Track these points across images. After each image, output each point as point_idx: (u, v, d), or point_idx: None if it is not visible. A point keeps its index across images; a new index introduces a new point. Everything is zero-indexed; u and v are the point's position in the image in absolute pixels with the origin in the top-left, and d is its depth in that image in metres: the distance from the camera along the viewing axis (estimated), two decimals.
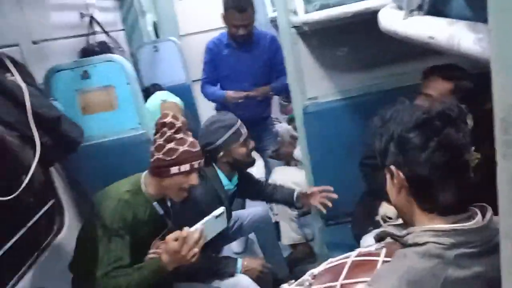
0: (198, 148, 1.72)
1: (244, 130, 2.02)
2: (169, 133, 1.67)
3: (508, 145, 0.41)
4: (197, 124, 3.74)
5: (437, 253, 0.85)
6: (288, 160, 3.04)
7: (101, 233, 1.60)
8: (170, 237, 1.53)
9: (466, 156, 0.91)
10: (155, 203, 1.75)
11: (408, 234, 0.94)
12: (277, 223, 2.75)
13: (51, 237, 2.03)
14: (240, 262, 1.99)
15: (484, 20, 0.43)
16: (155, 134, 1.72)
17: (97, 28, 3.03)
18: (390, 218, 1.86)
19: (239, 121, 2.05)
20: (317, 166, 2.30)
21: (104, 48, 2.84)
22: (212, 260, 2.00)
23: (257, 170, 3.96)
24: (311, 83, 2.19)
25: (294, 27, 2.09)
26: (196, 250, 1.53)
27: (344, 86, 2.17)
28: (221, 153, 1.99)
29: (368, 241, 1.82)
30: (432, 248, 0.86)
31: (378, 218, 1.91)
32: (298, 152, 2.73)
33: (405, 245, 0.93)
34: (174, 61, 3.96)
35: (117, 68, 2.16)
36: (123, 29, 3.85)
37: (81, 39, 2.83)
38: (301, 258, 2.62)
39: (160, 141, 1.67)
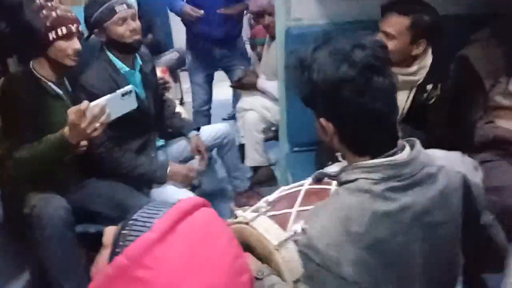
0: (73, 14, 1.71)
1: (121, 8, 1.86)
2: (39, 1, 1.66)
3: None
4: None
5: (365, 188, 0.89)
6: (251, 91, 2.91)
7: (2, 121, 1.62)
8: (71, 109, 1.53)
9: (393, 104, 0.93)
10: (50, 83, 1.74)
11: (341, 172, 0.97)
12: (242, 146, 2.75)
13: None
14: (168, 169, 2.01)
15: None
16: None
17: None
18: None
19: None
20: (291, 93, 2.23)
21: None
22: (144, 166, 1.98)
23: (224, 92, 3.90)
24: (298, 2, 2.06)
25: None
26: (97, 125, 1.54)
27: (333, 10, 2.05)
28: (96, 31, 1.91)
29: (329, 171, 1.87)
30: (362, 183, 0.90)
31: (337, 154, 1.95)
32: (262, 82, 2.65)
33: (340, 183, 0.96)
34: None
35: None
36: None
37: None
38: (262, 181, 2.67)
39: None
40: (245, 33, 3.87)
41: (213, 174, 3.06)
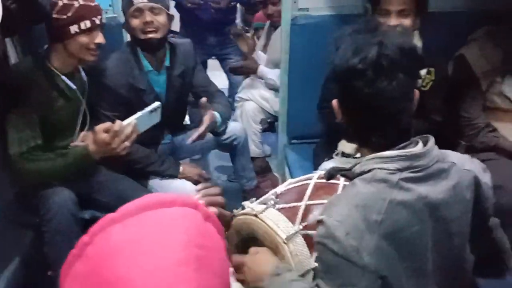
0: (96, 3, 1.58)
1: (139, 0, 1.74)
2: None
3: None
4: None
5: (382, 177, 0.90)
6: (252, 79, 2.83)
7: (8, 114, 1.52)
8: (100, 127, 1.47)
9: (400, 106, 0.93)
10: (63, 77, 1.62)
11: (355, 165, 0.97)
12: None
13: None
14: (181, 167, 1.97)
15: None
16: None
17: None
18: (348, 155, 1.90)
19: None
20: (294, 84, 2.22)
21: None
22: (155, 159, 1.93)
23: (220, 81, 3.85)
24: None
25: None
26: (127, 144, 1.49)
27: (341, 1, 2.03)
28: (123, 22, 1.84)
29: (326, 166, 1.87)
30: (377, 173, 0.91)
31: (336, 153, 1.95)
32: (263, 69, 2.61)
33: (354, 178, 0.96)
34: None
35: None
36: None
37: None
38: (258, 172, 2.63)
39: None
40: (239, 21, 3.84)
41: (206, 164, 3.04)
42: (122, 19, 1.93)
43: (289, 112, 2.31)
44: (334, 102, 1.01)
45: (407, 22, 1.65)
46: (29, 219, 1.68)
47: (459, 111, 1.85)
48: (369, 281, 0.86)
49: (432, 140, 0.96)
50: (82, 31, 1.52)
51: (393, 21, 1.65)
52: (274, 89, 2.52)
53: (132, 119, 1.51)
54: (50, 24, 1.53)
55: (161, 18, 1.78)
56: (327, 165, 1.91)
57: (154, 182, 1.95)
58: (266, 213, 1.02)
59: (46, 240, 1.56)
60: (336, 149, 1.96)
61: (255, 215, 1.02)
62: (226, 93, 3.88)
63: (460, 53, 1.81)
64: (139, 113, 1.54)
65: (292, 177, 2.23)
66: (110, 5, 2.06)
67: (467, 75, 1.79)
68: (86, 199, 1.71)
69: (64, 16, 1.50)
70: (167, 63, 1.92)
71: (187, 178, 1.95)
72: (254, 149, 2.62)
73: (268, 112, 2.64)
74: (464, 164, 0.98)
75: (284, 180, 2.54)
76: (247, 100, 2.64)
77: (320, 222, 0.89)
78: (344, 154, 1.88)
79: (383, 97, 0.90)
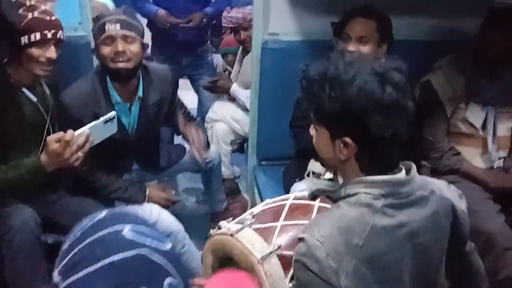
0: (54, 18, 1.55)
1: (111, 27, 1.64)
2: None
3: None
4: None
5: (366, 202, 0.91)
6: (223, 95, 2.89)
7: None
8: (51, 138, 1.43)
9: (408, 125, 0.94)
10: (24, 89, 1.59)
11: (341, 188, 0.98)
12: None
13: None
14: (148, 190, 1.90)
15: None
16: None
17: None
18: (315, 174, 1.94)
19: (115, 17, 1.67)
20: (264, 106, 2.25)
21: None
22: (118, 185, 1.87)
23: (188, 100, 3.84)
24: (276, 16, 2.08)
25: None
26: (80, 154, 1.44)
27: (311, 27, 2.09)
28: (93, 49, 1.75)
29: (297, 188, 1.90)
30: (362, 197, 0.92)
31: (306, 173, 1.98)
32: (236, 89, 2.64)
33: (337, 200, 0.97)
34: None
35: None
36: None
37: None
38: (227, 193, 2.62)
39: None
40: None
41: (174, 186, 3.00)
42: (91, 38, 1.90)
43: (259, 133, 2.33)
44: (347, 139, 0.93)
45: (365, 49, 1.71)
46: None
47: (424, 134, 1.91)
48: None
49: (414, 167, 0.98)
50: (32, 44, 1.51)
51: (351, 47, 1.72)
52: (245, 109, 2.54)
53: (85, 129, 1.46)
54: (6, 34, 1.51)
55: (134, 47, 1.67)
56: (299, 186, 1.93)
57: (120, 205, 1.90)
58: (242, 233, 1.03)
59: (6, 262, 1.48)
60: (305, 170, 1.99)
61: (231, 235, 1.02)
62: (195, 113, 3.90)
63: (427, 79, 1.88)
64: (92, 123, 1.49)
65: (261, 198, 2.25)
66: (80, 23, 2.03)
67: (433, 101, 1.85)
68: (48, 222, 1.64)
69: (18, 28, 1.49)
70: (140, 93, 1.81)
71: (155, 202, 1.88)
72: (225, 171, 2.61)
73: (238, 133, 2.65)
74: (442, 191, 1.01)
75: (253, 202, 2.56)
76: (217, 121, 2.65)
77: (301, 239, 0.89)
78: (314, 174, 1.92)
79: (406, 120, 0.92)
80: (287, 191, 2.01)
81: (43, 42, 1.52)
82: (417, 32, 2.13)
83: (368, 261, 0.88)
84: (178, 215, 1.89)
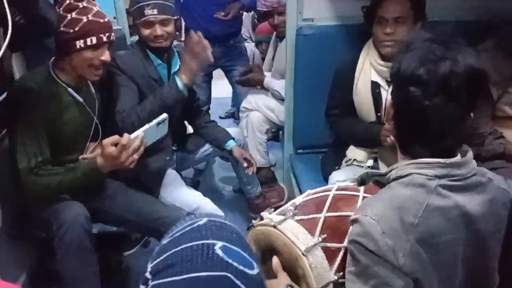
0: (106, 19, 1.56)
1: (150, 12, 1.81)
2: (69, 1, 1.49)
3: None
4: None
5: (420, 182, 0.89)
6: (257, 89, 2.79)
7: (15, 128, 1.51)
8: (107, 141, 1.46)
9: (451, 125, 0.91)
10: (70, 90, 1.60)
11: (391, 170, 0.96)
12: None
13: None
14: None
15: None
16: (55, 4, 1.52)
17: None
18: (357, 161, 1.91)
19: (152, 1, 1.82)
20: (299, 93, 2.22)
21: None
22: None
23: (222, 90, 3.85)
24: (310, 2, 2.04)
25: None
26: (135, 157, 1.48)
27: (344, 11, 2.04)
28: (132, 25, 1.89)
29: (336, 177, 1.88)
30: (415, 178, 0.90)
31: (345, 161, 1.95)
32: (269, 80, 2.61)
33: (387, 183, 0.96)
34: None
35: None
36: None
37: None
38: (263, 182, 2.61)
39: (61, 11, 1.49)
40: (246, 30, 3.83)
41: (211, 174, 3.03)
42: (126, 31, 1.93)
43: (295, 122, 2.31)
44: (390, 102, 0.98)
45: (403, 29, 1.66)
46: (36, 234, 1.66)
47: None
48: (404, 283, 0.85)
49: (470, 151, 0.95)
50: (88, 47, 1.51)
51: (389, 29, 1.67)
52: (280, 99, 2.52)
53: (139, 132, 1.50)
54: (56, 37, 1.52)
55: (170, 28, 1.86)
56: (338, 175, 1.91)
57: (165, 193, 1.92)
58: (285, 224, 1.01)
59: (58, 257, 1.52)
60: (344, 158, 1.96)
61: (274, 226, 1.01)
62: (230, 103, 3.91)
63: None
64: (146, 126, 1.52)
65: (299, 187, 2.23)
66: (114, 17, 2.06)
67: None
68: (95, 212, 1.68)
69: (71, 30, 1.48)
70: (178, 60, 1.95)
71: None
72: (260, 159, 2.61)
73: (273, 122, 2.63)
74: (499, 183, 0.98)
75: (290, 190, 2.55)
76: (252, 110, 2.63)
77: (354, 221, 0.88)
78: (355, 161, 1.88)
79: (439, 113, 0.88)
80: (325, 179, 1.99)
81: (97, 46, 1.52)
82: (453, 12, 2.05)
83: (423, 242, 0.86)
84: (216, 204, 1.91)
